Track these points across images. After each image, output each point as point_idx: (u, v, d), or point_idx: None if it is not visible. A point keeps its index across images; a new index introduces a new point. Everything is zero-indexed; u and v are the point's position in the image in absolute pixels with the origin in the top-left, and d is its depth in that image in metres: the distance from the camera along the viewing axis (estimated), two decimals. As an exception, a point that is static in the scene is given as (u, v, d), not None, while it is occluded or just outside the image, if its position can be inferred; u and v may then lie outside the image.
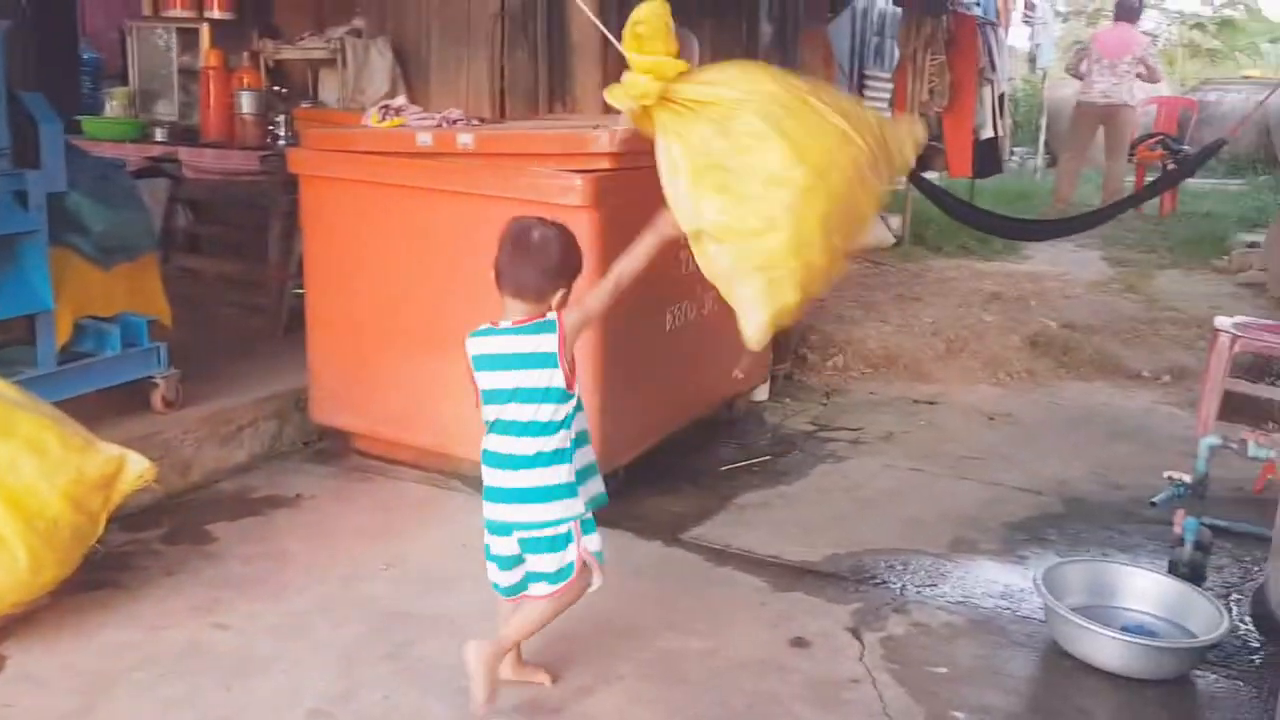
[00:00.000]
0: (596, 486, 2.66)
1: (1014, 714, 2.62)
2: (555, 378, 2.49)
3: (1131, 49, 10.46)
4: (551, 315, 2.50)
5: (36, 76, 5.28)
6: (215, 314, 5.40)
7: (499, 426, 2.53)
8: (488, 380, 2.53)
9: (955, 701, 2.64)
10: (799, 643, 2.91)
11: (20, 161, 3.33)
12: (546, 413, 2.50)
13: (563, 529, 2.51)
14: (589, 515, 2.57)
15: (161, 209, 5.72)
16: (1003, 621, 3.05)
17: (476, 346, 2.54)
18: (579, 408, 2.57)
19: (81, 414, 3.09)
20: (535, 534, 2.52)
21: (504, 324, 2.53)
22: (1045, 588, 2.91)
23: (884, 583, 3.27)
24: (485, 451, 2.56)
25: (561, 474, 2.51)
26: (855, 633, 2.96)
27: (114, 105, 6.19)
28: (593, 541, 2.55)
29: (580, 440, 2.58)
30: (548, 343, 2.48)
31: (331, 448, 4.26)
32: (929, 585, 3.26)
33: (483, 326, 2.56)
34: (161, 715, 2.51)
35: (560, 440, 2.51)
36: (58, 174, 3.42)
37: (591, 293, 2.56)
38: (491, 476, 2.55)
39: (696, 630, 2.96)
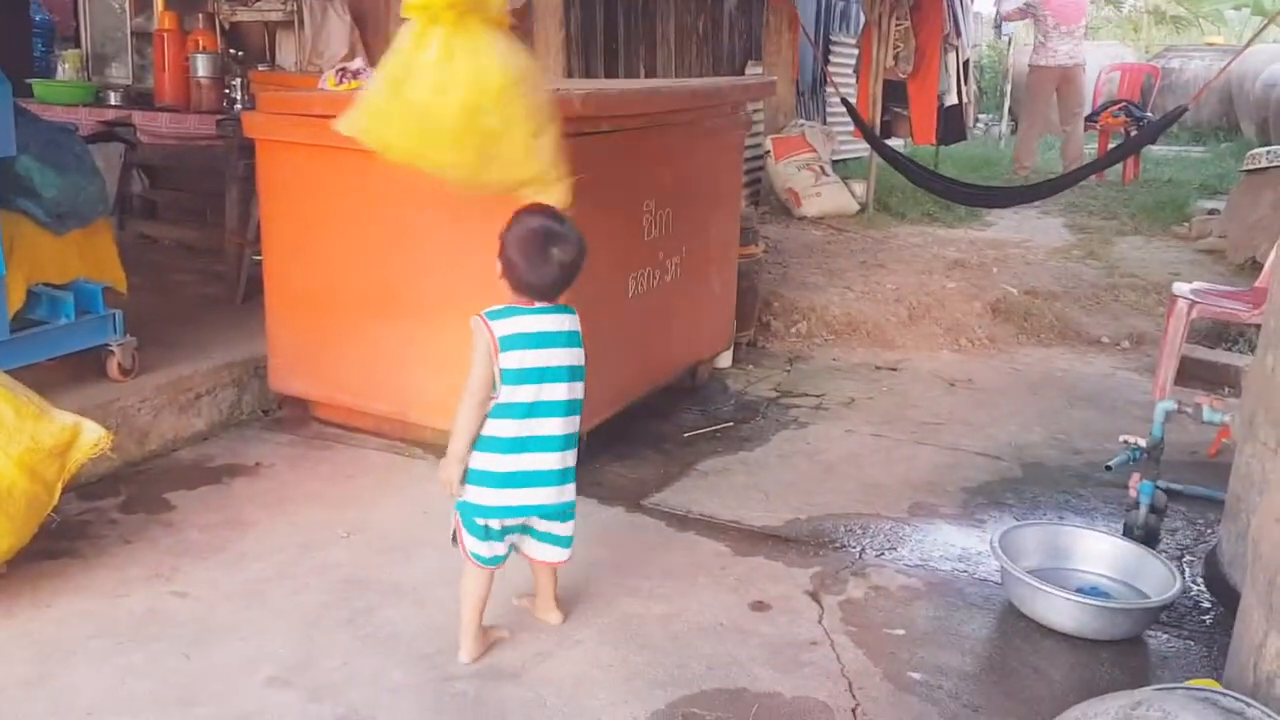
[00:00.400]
0: None
1: (969, 674, 2.65)
2: (583, 357, 2.60)
3: (1084, 12, 10.82)
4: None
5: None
6: (172, 281, 5.33)
7: (543, 408, 2.54)
8: (525, 359, 2.52)
9: (912, 662, 2.68)
10: (759, 606, 2.93)
11: (-33, 125, 3.26)
12: (579, 390, 2.60)
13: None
14: None
15: (116, 174, 5.64)
16: (960, 584, 3.09)
17: (506, 327, 2.52)
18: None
19: (36, 382, 3.04)
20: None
21: (530, 305, 2.56)
22: (1001, 550, 2.94)
23: (843, 546, 3.30)
24: (533, 437, 2.55)
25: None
26: (814, 596, 2.98)
27: (66, 68, 6.09)
28: None
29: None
30: (573, 322, 2.58)
31: (291, 416, 4.23)
32: (888, 549, 3.30)
33: (500, 307, 2.56)
34: (120, 683, 2.50)
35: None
36: (7, 138, 3.34)
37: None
38: (542, 460, 2.57)
39: (657, 595, 2.98)
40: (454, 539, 2.65)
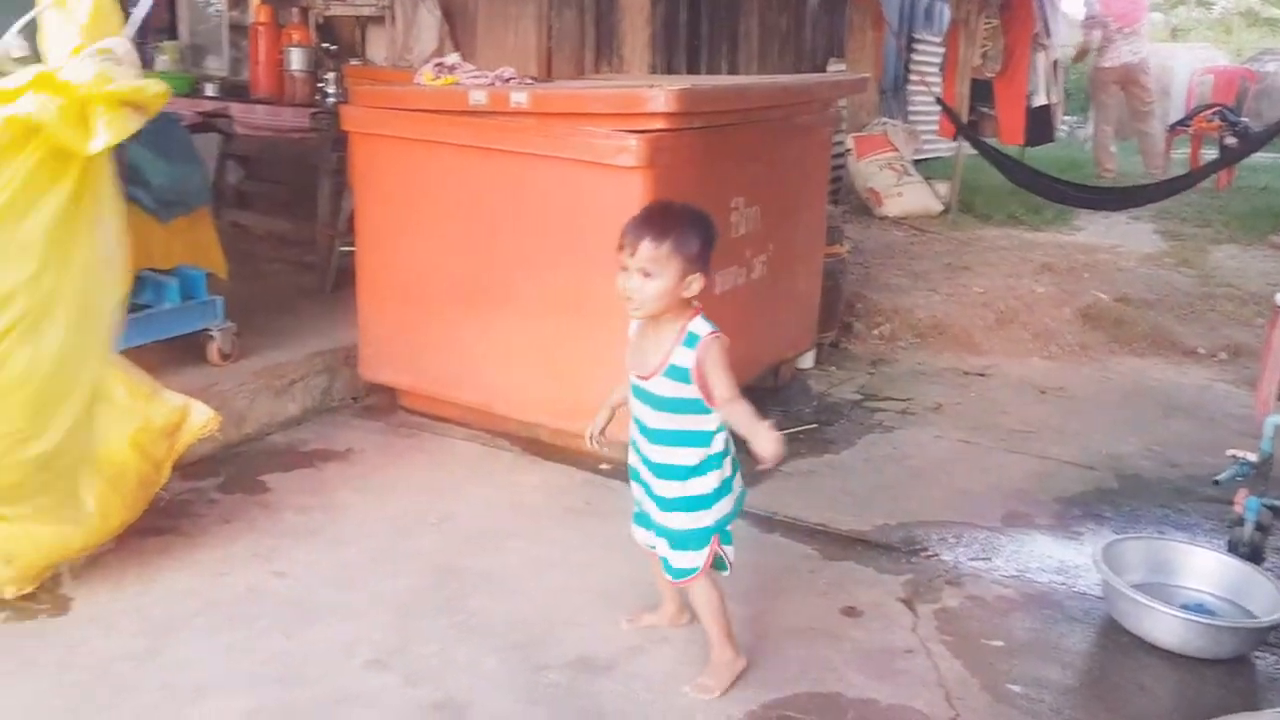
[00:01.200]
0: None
1: (1071, 688, 2.60)
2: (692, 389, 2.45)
3: (1142, 10, 10.78)
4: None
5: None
6: (264, 270, 5.44)
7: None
8: None
9: (1012, 674, 2.63)
10: (850, 611, 2.90)
11: (82, 112, 3.34)
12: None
13: None
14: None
15: (213, 165, 5.75)
16: (1058, 596, 3.03)
17: None
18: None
19: (140, 365, 3.11)
20: None
21: None
22: (1104, 563, 2.88)
23: (936, 554, 3.25)
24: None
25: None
26: (908, 604, 2.94)
27: (164, 59, 6.21)
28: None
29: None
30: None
31: (379, 404, 4.29)
32: (982, 558, 3.24)
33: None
34: (224, 659, 2.55)
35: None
36: (119, 125, 3.43)
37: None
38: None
39: (745, 596, 2.96)
40: (724, 563, 2.58)
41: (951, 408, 4.62)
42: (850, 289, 5.70)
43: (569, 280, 3.65)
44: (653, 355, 2.43)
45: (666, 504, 2.48)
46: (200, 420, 2.87)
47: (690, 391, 2.40)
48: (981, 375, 5.09)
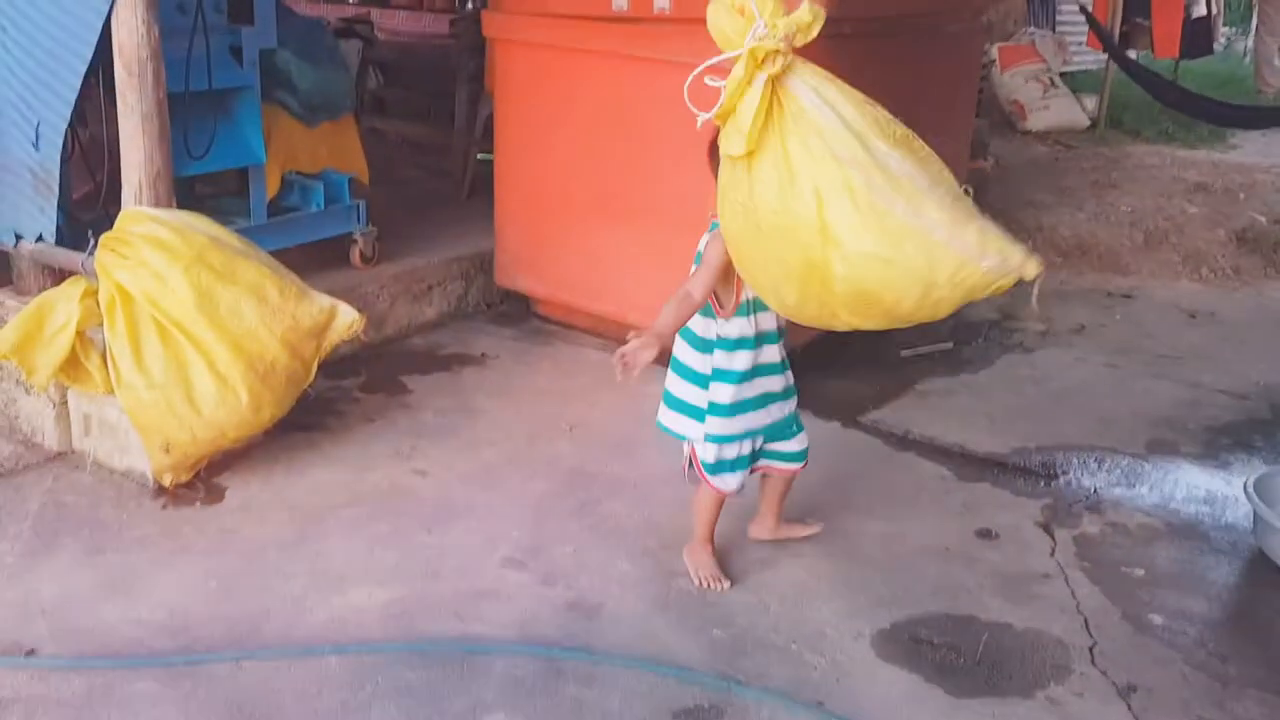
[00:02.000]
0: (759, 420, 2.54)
1: (1215, 621, 2.53)
2: None
3: None
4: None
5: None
6: (402, 175, 5.52)
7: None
8: None
9: (1153, 604, 2.57)
10: (985, 534, 2.86)
11: (235, 18, 3.41)
12: (701, 326, 2.45)
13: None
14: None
15: (354, 70, 5.83)
16: (1205, 528, 2.93)
17: None
18: (741, 344, 2.45)
19: (287, 266, 3.21)
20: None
21: None
22: (1255, 495, 2.76)
23: (1076, 480, 3.17)
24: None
25: (694, 395, 2.50)
26: (1046, 528, 2.89)
27: (308, -36, 6.28)
28: (706, 452, 2.53)
29: (745, 374, 2.47)
30: (704, 244, 2.42)
31: (513, 310, 4.35)
32: (1125, 485, 3.15)
33: None
34: (369, 552, 2.66)
35: (711, 363, 2.46)
36: (269, 31, 3.50)
37: (693, 279, 2.37)
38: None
39: (878, 513, 2.95)
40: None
41: (1095, 330, 4.46)
42: (993, 205, 5.50)
43: (705, 189, 3.60)
44: None
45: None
46: (347, 321, 2.94)
47: None
48: (1127, 297, 4.89)
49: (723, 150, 2.12)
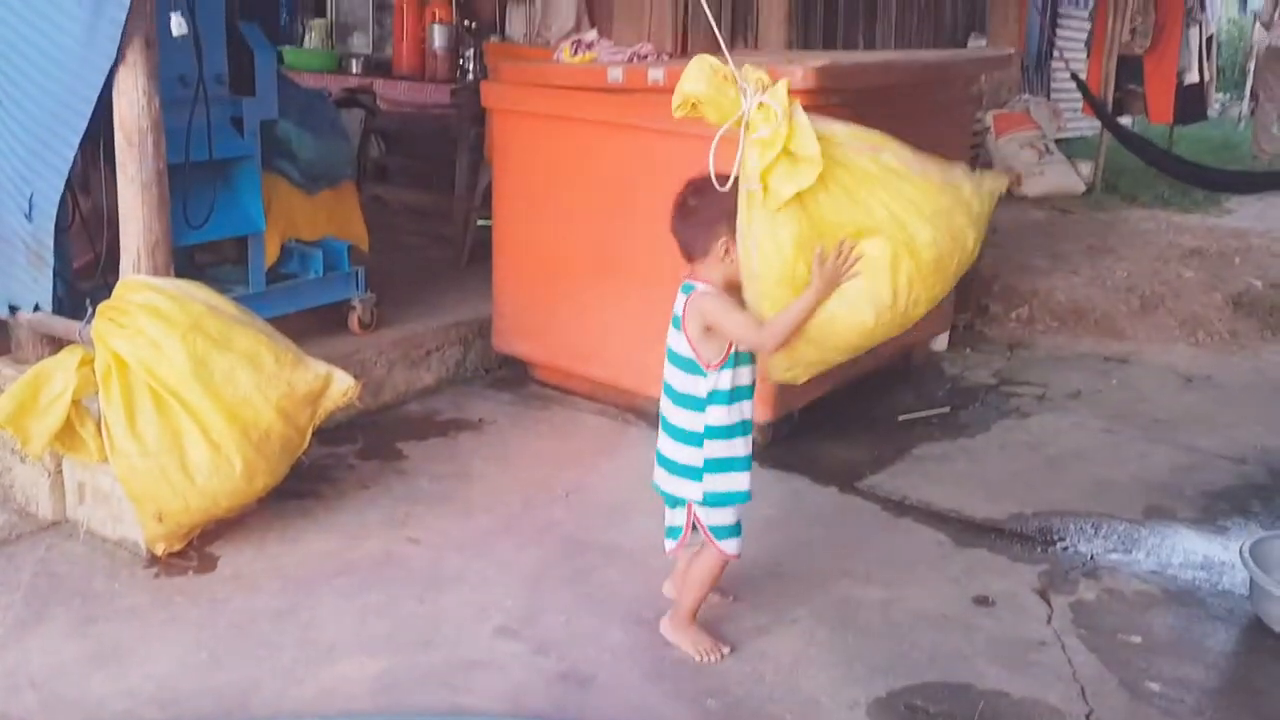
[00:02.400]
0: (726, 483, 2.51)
1: (1213, 689, 2.50)
2: (685, 345, 2.43)
3: None
4: (698, 283, 2.42)
5: (242, 7, 5.52)
6: (403, 242, 5.57)
7: (665, 388, 2.51)
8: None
9: (1150, 672, 2.54)
10: (982, 600, 2.84)
11: (237, 89, 3.48)
12: (689, 384, 2.44)
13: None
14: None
15: (357, 139, 5.92)
16: (1202, 594, 2.91)
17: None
18: (731, 397, 2.44)
19: (284, 333, 3.23)
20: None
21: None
22: (1252, 561, 2.75)
23: (1073, 546, 3.15)
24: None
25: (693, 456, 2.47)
26: (1043, 595, 2.87)
27: (312, 37, 6.42)
28: (724, 516, 2.51)
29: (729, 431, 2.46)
30: (682, 304, 2.44)
31: (511, 375, 4.37)
32: (1122, 551, 3.13)
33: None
34: (360, 621, 2.64)
35: (701, 420, 2.44)
36: (271, 101, 3.56)
37: (751, 324, 2.36)
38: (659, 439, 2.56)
39: (874, 579, 2.93)
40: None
41: (1091, 395, 4.46)
42: (987, 271, 5.54)
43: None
44: None
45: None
46: (342, 387, 2.96)
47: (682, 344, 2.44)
48: (1123, 362, 4.90)
49: (783, 192, 2.22)
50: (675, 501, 2.55)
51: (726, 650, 2.56)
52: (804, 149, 2.21)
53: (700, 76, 2.27)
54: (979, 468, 3.70)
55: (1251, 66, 13.40)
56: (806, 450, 3.73)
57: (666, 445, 2.53)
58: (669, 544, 2.62)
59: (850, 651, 2.59)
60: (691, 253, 2.46)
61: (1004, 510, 3.35)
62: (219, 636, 2.57)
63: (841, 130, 2.34)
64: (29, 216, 2.97)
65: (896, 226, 2.28)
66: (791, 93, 3.39)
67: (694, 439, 2.47)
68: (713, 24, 2.94)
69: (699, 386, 2.44)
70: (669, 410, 2.51)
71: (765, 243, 2.28)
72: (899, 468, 3.69)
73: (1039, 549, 3.13)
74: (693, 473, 2.48)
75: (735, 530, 2.52)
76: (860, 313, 2.33)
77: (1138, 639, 2.68)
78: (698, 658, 2.53)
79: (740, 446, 2.48)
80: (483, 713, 2.33)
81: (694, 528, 2.54)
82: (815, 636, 2.65)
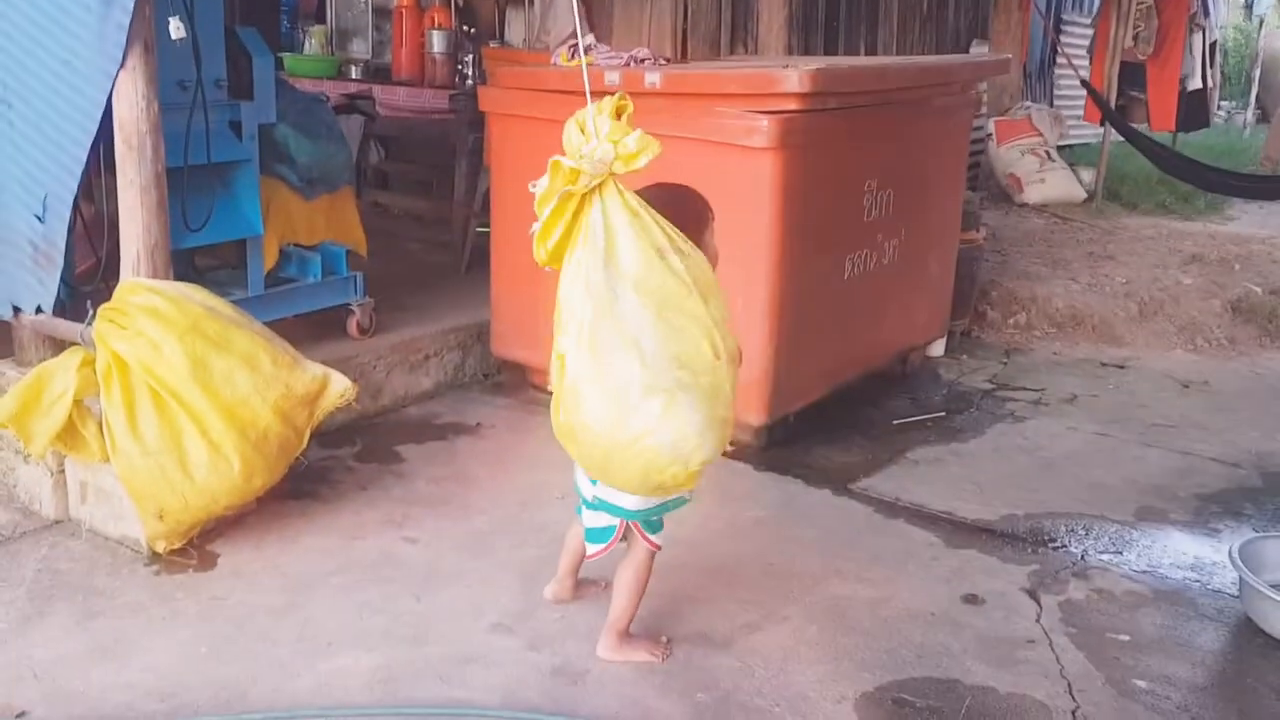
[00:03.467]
0: None
1: (1200, 687, 2.52)
2: None
3: None
4: None
5: (243, 13, 5.57)
6: (402, 248, 5.61)
7: None
8: None
9: (1138, 670, 2.56)
10: (972, 599, 2.86)
11: (235, 93, 3.52)
12: None
13: None
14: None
15: (356, 145, 5.97)
16: (1191, 594, 2.93)
17: None
18: None
19: (283, 337, 3.27)
20: None
21: None
22: (1241, 561, 2.77)
23: (1064, 546, 3.18)
24: None
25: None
26: (1032, 594, 2.89)
27: (312, 43, 6.46)
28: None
29: None
30: None
31: (509, 380, 4.40)
32: (1112, 552, 3.15)
33: None
34: (357, 618, 2.67)
35: None
36: (269, 106, 3.60)
37: None
38: None
39: (865, 579, 2.95)
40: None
41: (1088, 400, 4.48)
42: (986, 277, 5.57)
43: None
44: None
45: None
46: (339, 389, 3.00)
47: None
48: (1120, 367, 4.92)
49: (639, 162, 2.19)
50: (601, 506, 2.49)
51: (666, 639, 2.58)
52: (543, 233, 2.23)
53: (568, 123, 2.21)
54: (972, 470, 3.73)
55: (1256, 74, 13.45)
56: (801, 454, 3.76)
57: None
58: (592, 548, 2.55)
59: (839, 648, 2.62)
60: None
61: (996, 512, 3.38)
62: (218, 631, 2.60)
63: (595, 254, 2.22)
64: (41, 218, 3.01)
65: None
66: (785, 96, 3.46)
67: None
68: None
69: None
70: None
71: None
72: (893, 471, 3.71)
73: (1030, 549, 3.15)
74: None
75: (662, 520, 2.52)
76: None
77: (1126, 637, 2.70)
78: (660, 660, 2.53)
79: None
80: (477, 706, 2.36)
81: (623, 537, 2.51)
82: (805, 633, 2.68)
